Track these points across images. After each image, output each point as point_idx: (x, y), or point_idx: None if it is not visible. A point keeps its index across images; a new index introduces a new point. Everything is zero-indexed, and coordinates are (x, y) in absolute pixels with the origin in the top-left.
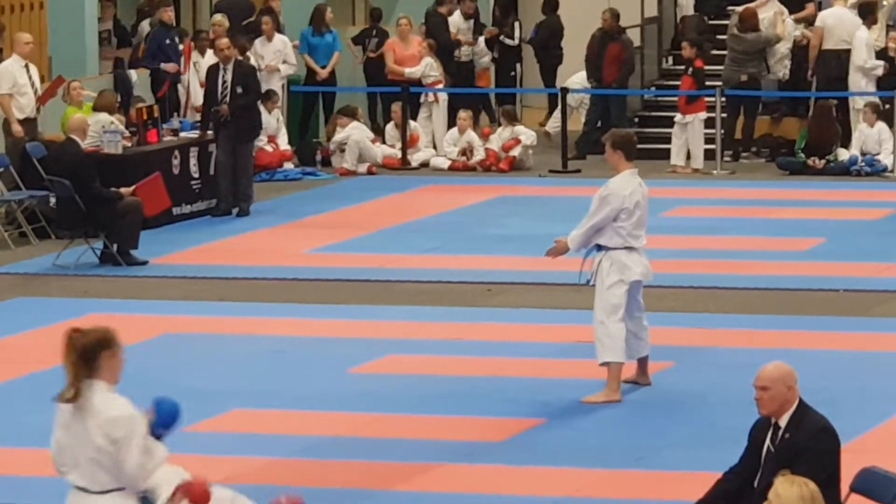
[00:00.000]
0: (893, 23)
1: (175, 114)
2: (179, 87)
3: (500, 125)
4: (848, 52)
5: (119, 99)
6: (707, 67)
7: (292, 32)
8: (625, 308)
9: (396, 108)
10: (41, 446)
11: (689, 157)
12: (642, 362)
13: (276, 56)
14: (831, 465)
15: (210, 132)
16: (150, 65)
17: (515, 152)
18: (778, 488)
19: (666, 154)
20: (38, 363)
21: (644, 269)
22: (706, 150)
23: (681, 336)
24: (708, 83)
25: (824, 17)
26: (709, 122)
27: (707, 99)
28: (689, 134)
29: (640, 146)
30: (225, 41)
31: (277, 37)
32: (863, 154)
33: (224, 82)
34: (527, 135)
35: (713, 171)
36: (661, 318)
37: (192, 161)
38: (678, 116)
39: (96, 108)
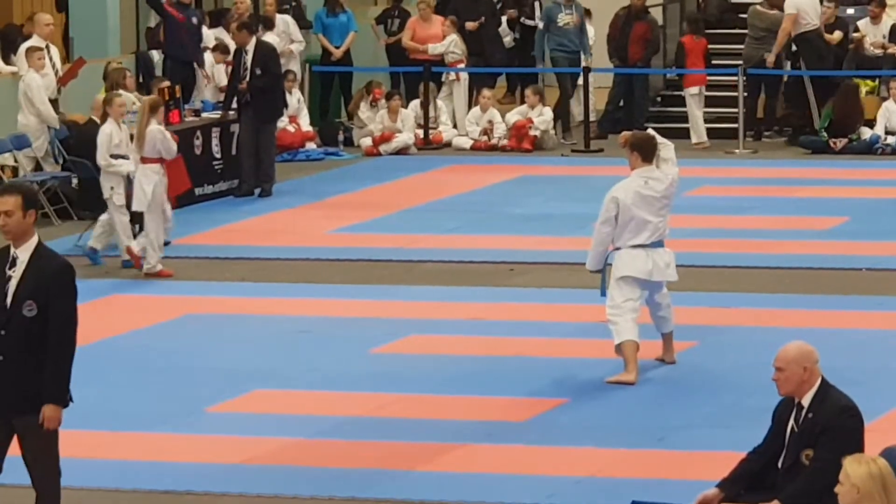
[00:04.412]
0: None
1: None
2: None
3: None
4: (817, 29)
5: (141, 79)
6: (729, 46)
7: (311, 14)
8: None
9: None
10: (65, 428)
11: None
12: (666, 339)
13: (283, 37)
14: (855, 443)
15: (232, 112)
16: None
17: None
18: (847, 468)
19: (688, 133)
20: None
21: (645, 267)
22: (729, 130)
23: (703, 315)
24: (730, 62)
25: (796, 1)
26: (731, 102)
27: (730, 77)
28: (688, 108)
29: (662, 125)
30: (233, 26)
31: (279, 17)
32: (887, 132)
33: (245, 63)
34: (541, 119)
35: (736, 151)
36: (684, 297)
37: (214, 141)
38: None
39: (111, 88)
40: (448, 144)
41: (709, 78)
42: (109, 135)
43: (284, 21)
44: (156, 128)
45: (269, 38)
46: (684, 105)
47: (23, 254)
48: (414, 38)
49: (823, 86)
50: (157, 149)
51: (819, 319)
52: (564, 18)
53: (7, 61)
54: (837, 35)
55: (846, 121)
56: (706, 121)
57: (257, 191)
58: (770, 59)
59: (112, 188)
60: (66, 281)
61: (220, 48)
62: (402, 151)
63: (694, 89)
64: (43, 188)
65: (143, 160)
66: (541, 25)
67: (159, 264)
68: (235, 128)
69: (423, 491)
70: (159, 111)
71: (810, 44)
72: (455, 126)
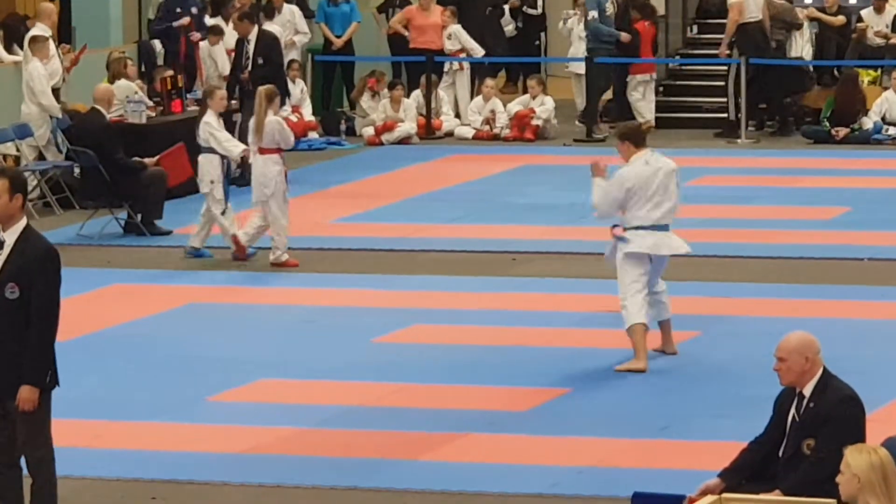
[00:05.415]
0: None
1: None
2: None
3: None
4: (760, 22)
5: (143, 68)
6: None
7: (314, 3)
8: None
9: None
10: (67, 417)
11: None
12: (664, 328)
13: (288, 26)
14: (856, 433)
15: (234, 102)
16: (160, 32)
17: (537, 122)
18: (848, 458)
19: (690, 123)
20: (61, 334)
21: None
22: (732, 120)
23: (705, 305)
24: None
25: None
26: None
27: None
28: (636, 96)
29: (665, 115)
30: (234, 16)
31: (286, 7)
32: (884, 121)
33: (247, 53)
34: (544, 108)
35: (738, 140)
36: (686, 287)
37: None
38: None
39: (113, 78)
40: (450, 133)
41: (711, 68)
42: (211, 125)
43: (291, 11)
44: (274, 118)
45: (271, 27)
46: (687, 94)
47: (9, 237)
48: (412, 26)
49: (763, 77)
50: (275, 139)
51: (821, 309)
52: (610, 8)
53: (10, 51)
54: (841, 19)
55: (847, 110)
56: (708, 110)
57: None
58: (721, 50)
59: (212, 182)
60: (51, 265)
61: (215, 30)
62: (404, 141)
63: (645, 76)
64: (45, 177)
65: (262, 150)
66: (595, 14)
67: (286, 254)
68: (237, 117)
69: (426, 480)
70: (275, 101)
71: (748, 35)
72: (458, 115)
